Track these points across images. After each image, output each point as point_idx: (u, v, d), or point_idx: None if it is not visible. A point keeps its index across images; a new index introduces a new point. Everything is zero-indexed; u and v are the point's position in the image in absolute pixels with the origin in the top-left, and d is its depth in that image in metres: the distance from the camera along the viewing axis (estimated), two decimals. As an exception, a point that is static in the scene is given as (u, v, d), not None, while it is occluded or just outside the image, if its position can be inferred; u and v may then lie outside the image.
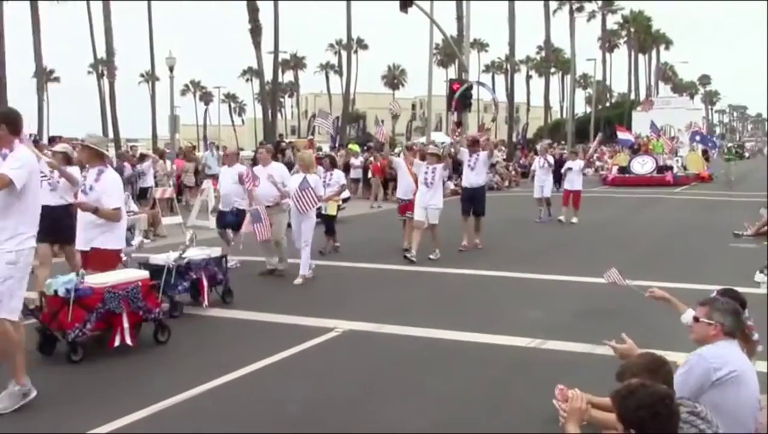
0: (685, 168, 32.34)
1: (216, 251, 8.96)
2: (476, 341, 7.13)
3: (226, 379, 5.98)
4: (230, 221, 10.89)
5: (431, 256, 11.64)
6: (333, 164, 12.96)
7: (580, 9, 62.94)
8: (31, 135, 15.64)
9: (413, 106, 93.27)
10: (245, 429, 5.02)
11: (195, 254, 8.50)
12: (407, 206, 12.64)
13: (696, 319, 3.96)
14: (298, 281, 9.96)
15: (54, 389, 5.76)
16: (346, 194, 13.72)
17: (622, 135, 34.66)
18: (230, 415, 5.25)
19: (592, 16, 73.27)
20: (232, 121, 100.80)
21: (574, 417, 3.37)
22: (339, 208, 13.45)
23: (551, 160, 18.66)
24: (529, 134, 74.03)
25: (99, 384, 5.93)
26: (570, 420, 3.37)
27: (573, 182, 17.52)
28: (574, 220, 17.10)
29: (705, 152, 35.73)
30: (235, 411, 5.32)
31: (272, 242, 10.53)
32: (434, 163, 11.97)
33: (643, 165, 30.97)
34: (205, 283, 8.40)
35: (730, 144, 52.10)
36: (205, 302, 8.36)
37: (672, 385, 3.42)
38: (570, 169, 17.85)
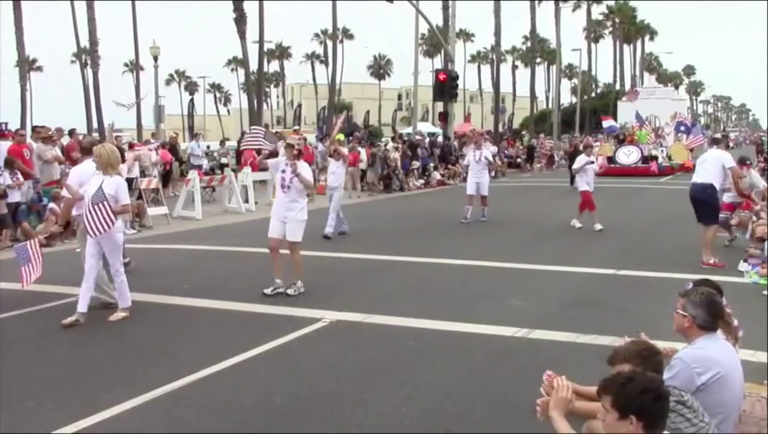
0: (670, 158, 32.52)
1: None
2: (463, 331, 7.15)
3: (213, 370, 5.97)
4: None
5: (289, 291, 8.69)
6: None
7: (566, -1, 62.94)
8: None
9: (399, 97, 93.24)
10: (232, 420, 5.01)
11: None
12: None
13: (677, 310, 3.98)
14: (116, 316, 7.60)
15: (39, 381, 5.76)
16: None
17: (606, 123, 34.80)
18: (217, 407, 5.24)
19: (577, 6, 73.71)
20: (218, 111, 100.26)
21: (560, 406, 3.37)
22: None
23: (489, 154, 16.99)
24: (515, 124, 74.21)
25: (83, 376, 5.92)
26: (555, 410, 3.37)
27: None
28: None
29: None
30: (221, 403, 5.31)
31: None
32: (292, 157, 8.90)
33: (628, 155, 31.12)
34: None
35: (717, 135, 52.37)
36: None
37: (662, 374, 3.43)
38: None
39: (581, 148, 17.11)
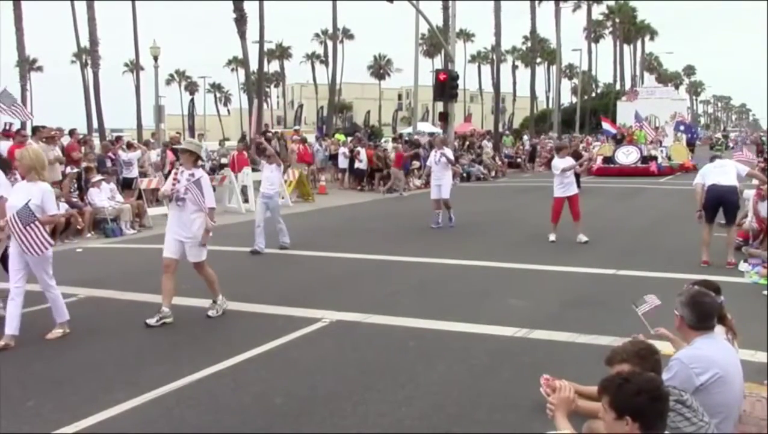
0: (669, 158, 32.50)
1: None
2: (463, 331, 7.15)
3: (213, 370, 5.97)
4: None
5: (210, 313, 7.78)
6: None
7: (566, -1, 62.93)
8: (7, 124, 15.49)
9: (399, 97, 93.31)
10: (232, 420, 5.01)
11: None
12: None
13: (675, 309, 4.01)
14: (54, 334, 6.95)
15: (39, 381, 5.76)
16: None
17: (606, 126, 34.84)
18: (217, 407, 5.24)
19: (577, 6, 73.62)
20: (218, 111, 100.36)
21: (563, 407, 3.38)
22: None
23: (449, 154, 15.43)
24: (515, 124, 74.22)
25: (83, 376, 5.92)
26: (558, 410, 3.38)
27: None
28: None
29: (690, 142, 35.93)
30: (221, 403, 5.31)
31: None
32: (191, 166, 7.61)
33: (627, 155, 31.08)
34: None
35: (717, 135, 52.45)
36: None
37: (660, 374, 3.44)
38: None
39: (555, 151, 14.27)
